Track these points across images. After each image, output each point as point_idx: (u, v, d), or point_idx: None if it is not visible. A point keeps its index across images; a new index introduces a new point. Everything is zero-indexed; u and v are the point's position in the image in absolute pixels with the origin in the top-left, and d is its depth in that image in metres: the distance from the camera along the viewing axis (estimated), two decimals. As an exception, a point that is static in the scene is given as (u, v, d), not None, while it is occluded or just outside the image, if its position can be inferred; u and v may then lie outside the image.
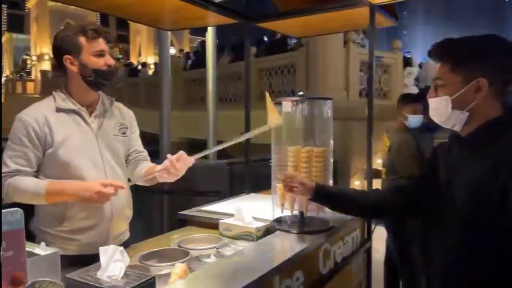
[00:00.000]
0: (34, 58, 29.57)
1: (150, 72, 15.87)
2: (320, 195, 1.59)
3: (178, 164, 1.60)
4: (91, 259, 1.39)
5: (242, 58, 8.99)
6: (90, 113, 1.63)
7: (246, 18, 2.49)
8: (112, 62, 1.61)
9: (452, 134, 1.28)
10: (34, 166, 1.53)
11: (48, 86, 21.80)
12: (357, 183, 6.40)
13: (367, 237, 2.20)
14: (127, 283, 1.09)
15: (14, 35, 32.39)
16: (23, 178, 1.49)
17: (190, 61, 11.78)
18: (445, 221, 1.22)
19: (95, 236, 1.55)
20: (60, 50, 1.57)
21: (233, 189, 3.91)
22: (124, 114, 1.77)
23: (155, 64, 17.82)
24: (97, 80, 1.58)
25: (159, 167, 1.66)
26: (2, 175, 1.46)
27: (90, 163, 1.58)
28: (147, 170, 1.75)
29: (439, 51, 1.24)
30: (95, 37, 1.56)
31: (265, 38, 9.81)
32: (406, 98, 3.03)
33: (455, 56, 1.20)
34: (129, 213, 1.72)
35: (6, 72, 30.98)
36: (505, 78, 1.17)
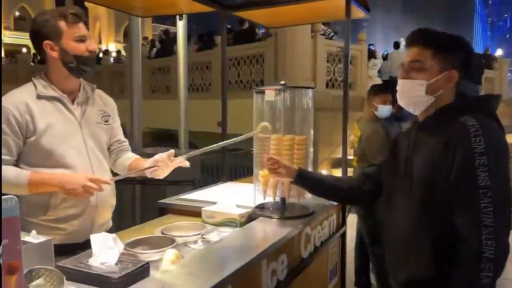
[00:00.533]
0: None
1: (112, 60, 15.38)
2: (302, 178, 1.66)
3: (172, 163, 1.61)
4: (74, 248, 1.38)
5: (208, 47, 8.97)
6: (72, 101, 1.58)
7: (223, 6, 2.49)
8: (94, 47, 1.57)
9: (415, 120, 1.39)
10: (15, 154, 1.48)
11: (2, 73, 20.70)
12: (324, 172, 6.55)
13: (342, 222, 2.29)
14: (121, 268, 1.10)
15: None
16: (4, 168, 1.42)
17: (155, 49, 11.53)
18: (402, 197, 1.34)
19: (80, 225, 1.53)
20: (39, 35, 1.50)
21: (206, 179, 3.92)
22: (106, 102, 1.74)
23: (118, 51, 17.28)
24: (79, 66, 1.53)
25: (148, 162, 1.65)
26: None
27: (74, 151, 1.54)
28: (132, 163, 1.74)
29: (423, 36, 1.31)
30: (76, 21, 1.51)
31: (229, 27, 9.75)
32: (376, 89, 3.13)
33: (438, 43, 1.28)
34: (113, 201, 1.70)
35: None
36: (465, 72, 1.30)
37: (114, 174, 1.80)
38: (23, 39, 28.27)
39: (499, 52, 27.52)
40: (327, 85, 7.31)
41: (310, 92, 1.84)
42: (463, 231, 1.17)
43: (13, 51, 24.32)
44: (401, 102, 1.36)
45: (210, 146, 1.76)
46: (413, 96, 1.30)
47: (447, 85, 1.28)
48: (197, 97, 8.40)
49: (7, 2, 26.30)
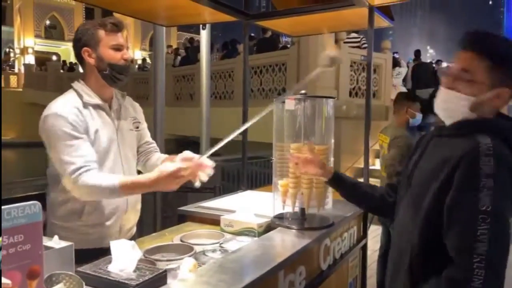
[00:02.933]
0: (17, 51, 28.96)
1: (137, 67, 15.73)
2: (337, 179, 1.65)
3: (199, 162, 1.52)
4: (97, 253, 1.40)
5: (231, 55, 9.05)
6: (109, 108, 1.63)
7: (246, 16, 2.51)
8: (129, 56, 1.61)
9: (435, 126, 1.30)
10: (95, 154, 1.50)
11: (32, 80, 21.38)
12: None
13: (363, 234, 2.25)
14: (139, 275, 1.11)
15: (-3, 27, 31.67)
16: (95, 175, 1.44)
17: (179, 57, 11.73)
18: (405, 206, 1.29)
19: (109, 230, 1.56)
20: (79, 42, 1.57)
21: (226, 187, 3.93)
22: (135, 108, 1.80)
23: (143, 59, 17.66)
24: (112, 74, 1.57)
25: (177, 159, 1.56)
26: (72, 173, 1.42)
27: (113, 156, 1.60)
28: (164, 160, 1.75)
29: (480, 42, 1.14)
30: (114, 30, 1.56)
31: (253, 35, 9.83)
32: (414, 96, 3.11)
33: (497, 54, 1.12)
34: (139, 206, 1.74)
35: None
36: None
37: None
38: (53, 47, 29.30)
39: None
40: (350, 94, 7.25)
41: (331, 101, 1.82)
42: (453, 254, 1.08)
43: (44, 59, 25.21)
44: (438, 111, 1.23)
45: (227, 138, 1.62)
46: (455, 110, 1.18)
47: (493, 102, 1.15)
48: (220, 105, 8.47)
49: (38, 11, 27.29)
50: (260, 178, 4.23)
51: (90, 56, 1.56)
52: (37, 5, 27.46)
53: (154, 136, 4.54)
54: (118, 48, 1.57)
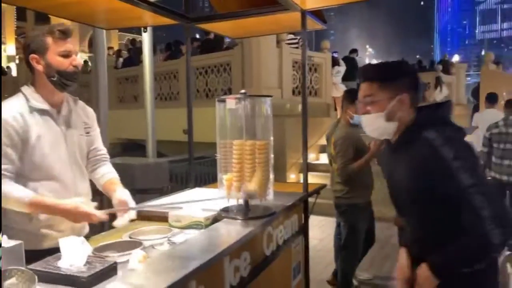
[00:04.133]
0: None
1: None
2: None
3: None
4: (52, 253, 1.44)
5: (176, 56, 9.00)
6: (58, 113, 1.65)
7: (187, 19, 2.58)
8: (78, 63, 1.64)
9: (388, 142, 1.54)
10: (17, 164, 1.53)
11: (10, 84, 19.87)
12: (292, 176, 6.72)
13: (304, 222, 2.42)
14: (90, 268, 1.17)
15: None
16: (8, 186, 1.48)
17: (121, 59, 11.45)
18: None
19: (60, 231, 1.59)
20: (28, 49, 1.59)
21: (174, 188, 3.97)
22: (87, 113, 1.82)
23: (85, 62, 16.96)
24: (61, 80, 1.60)
25: (114, 202, 1.75)
26: None
27: (60, 162, 1.62)
28: (106, 185, 1.82)
29: (368, 72, 1.48)
30: (62, 38, 1.59)
31: (197, 36, 9.86)
32: (352, 96, 3.28)
33: (382, 75, 1.43)
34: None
35: None
36: (415, 91, 1.45)
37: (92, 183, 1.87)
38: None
39: (456, 58, 28.90)
40: (293, 92, 7.51)
41: (268, 100, 1.96)
42: (468, 227, 1.27)
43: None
44: (372, 134, 1.50)
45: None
46: (378, 127, 1.45)
47: (402, 108, 1.42)
48: (165, 106, 8.41)
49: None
50: (207, 177, 4.31)
51: (39, 63, 1.59)
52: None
53: (98, 140, 4.49)
54: (66, 54, 1.60)
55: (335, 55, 9.01)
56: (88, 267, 1.18)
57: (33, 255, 1.26)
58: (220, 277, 1.48)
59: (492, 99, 5.91)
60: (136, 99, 9.96)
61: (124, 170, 3.78)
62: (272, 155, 1.98)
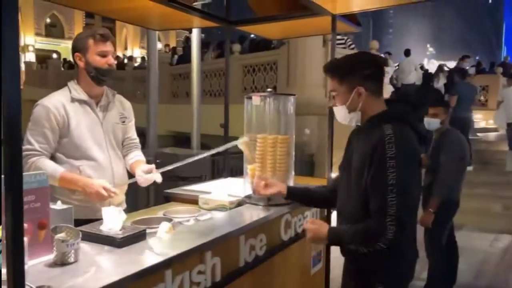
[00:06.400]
0: None
1: (136, 65, 15.99)
2: (292, 194, 1.92)
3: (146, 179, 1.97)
4: (86, 223, 1.72)
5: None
6: (97, 104, 1.97)
7: (227, 22, 2.81)
8: (112, 62, 1.94)
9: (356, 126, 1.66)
10: (52, 145, 1.86)
11: (33, 77, 21.55)
12: (333, 175, 6.78)
13: (327, 215, 2.56)
14: (124, 232, 1.42)
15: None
16: (45, 161, 1.82)
17: (176, 56, 12.01)
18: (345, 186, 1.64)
19: (99, 204, 1.87)
20: (74, 48, 1.93)
21: (214, 177, 4.25)
22: (124, 105, 2.13)
23: (142, 58, 17.88)
24: (98, 76, 1.91)
25: (137, 171, 2.01)
26: (26, 152, 1.77)
27: (97, 145, 1.94)
28: (133, 165, 2.09)
29: (329, 69, 1.61)
30: (102, 40, 1.90)
31: (252, 36, 10.12)
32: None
33: (339, 70, 1.57)
34: (125, 188, 2.08)
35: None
36: (376, 81, 1.56)
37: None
38: (53, 45, 29.50)
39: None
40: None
41: (292, 98, 2.13)
42: (373, 214, 1.46)
43: (44, 57, 25.40)
44: (341, 122, 1.65)
45: (181, 162, 2.12)
46: (344, 118, 1.60)
47: (360, 100, 1.54)
48: (215, 102, 8.76)
49: (38, 9, 27.47)
50: (241, 169, 4.52)
51: (81, 60, 1.91)
52: (37, 3, 27.65)
53: (147, 132, 4.88)
54: (103, 54, 1.90)
55: (387, 55, 8.91)
56: (123, 231, 1.43)
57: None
58: (235, 252, 1.69)
59: None
60: (187, 94, 10.42)
61: (170, 158, 4.13)
62: (293, 149, 2.16)
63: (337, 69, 1.58)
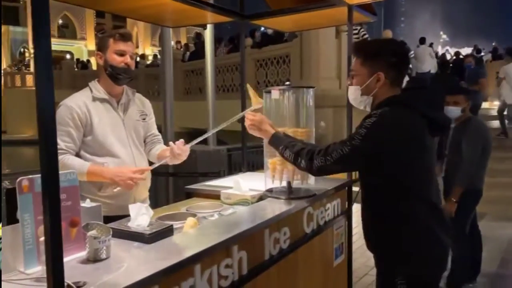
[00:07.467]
0: (32, 50, 29.54)
1: (148, 63, 16.11)
2: (275, 140, 1.90)
3: (181, 148, 1.99)
4: (118, 219, 1.75)
5: (238, 49, 9.31)
6: (117, 102, 2.01)
7: (241, 16, 2.81)
8: (129, 61, 1.97)
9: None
10: (78, 143, 1.91)
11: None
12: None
13: (348, 208, 2.55)
14: (152, 228, 1.44)
15: (11, 28, 32.40)
16: (71, 158, 1.87)
17: (188, 53, 12.06)
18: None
19: (124, 201, 1.91)
20: (96, 46, 2.00)
21: (232, 172, 4.26)
22: (144, 103, 2.17)
23: (154, 56, 18.00)
24: (113, 74, 1.95)
25: (166, 151, 2.04)
26: None
27: (119, 142, 1.98)
28: (160, 153, 2.14)
29: (356, 48, 1.64)
30: (121, 40, 1.94)
31: (262, 29, 10.10)
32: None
33: (364, 53, 1.58)
34: (148, 183, 2.12)
35: (3, 65, 31.00)
36: (398, 71, 1.58)
37: (150, 162, 2.19)
38: (66, 45, 29.91)
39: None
40: (352, 83, 7.49)
41: (311, 91, 2.12)
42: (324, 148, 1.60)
43: (57, 58, 25.76)
44: (351, 103, 1.70)
45: (203, 136, 2.18)
46: (354, 98, 1.64)
47: (377, 85, 1.56)
48: (228, 98, 8.79)
49: (50, 10, 27.83)
50: (259, 164, 4.55)
51: (101, 59, 1.97)
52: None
53: (164, 129, 4.92)
54: (121, 53, 1.94)
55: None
56: (151, 227, 1.45)
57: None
58: (260, 246, 1.70)
59: None
60: (200, 91, 10.49)
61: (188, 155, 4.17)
62: (314, 142, 2.15)
63: (362, 50, 1.61)
